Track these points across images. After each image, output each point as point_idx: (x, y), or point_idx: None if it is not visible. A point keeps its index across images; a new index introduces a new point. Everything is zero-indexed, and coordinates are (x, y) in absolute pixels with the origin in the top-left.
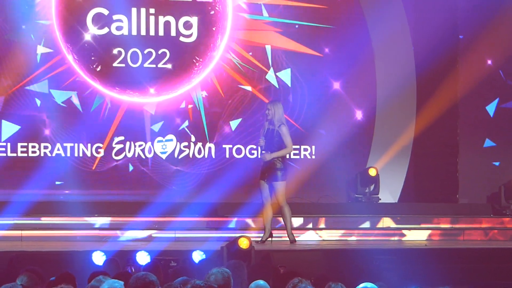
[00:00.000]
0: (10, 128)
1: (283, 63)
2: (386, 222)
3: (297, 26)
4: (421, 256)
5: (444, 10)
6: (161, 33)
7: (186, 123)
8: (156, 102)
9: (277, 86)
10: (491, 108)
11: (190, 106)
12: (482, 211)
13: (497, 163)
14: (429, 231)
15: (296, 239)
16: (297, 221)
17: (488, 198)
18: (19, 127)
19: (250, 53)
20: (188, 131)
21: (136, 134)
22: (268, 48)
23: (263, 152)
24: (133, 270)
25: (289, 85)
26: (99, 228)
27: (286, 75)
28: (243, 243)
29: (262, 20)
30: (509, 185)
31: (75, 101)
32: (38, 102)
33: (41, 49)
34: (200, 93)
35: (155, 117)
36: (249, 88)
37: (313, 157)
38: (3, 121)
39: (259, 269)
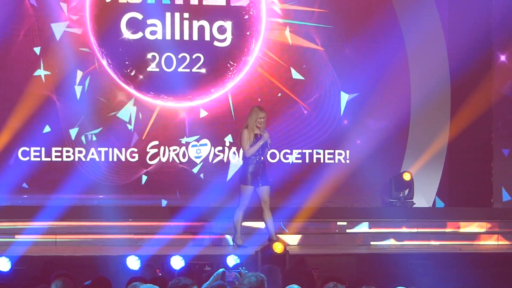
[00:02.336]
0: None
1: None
2: (420, 226)
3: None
4: (455, 260)
5: (478, 12)
6: (195, 37)
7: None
8: (190, 107)
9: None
10: None
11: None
12: None
13: None
14: (463, 236)
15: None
16: (328, 226)
17: None
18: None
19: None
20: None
21: (170, 138)
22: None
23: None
24: (161, 274)
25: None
26: (133, 233)
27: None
28: (278, 248)
29: (295, 23)
30: None
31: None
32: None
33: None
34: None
35: (189, 122)
36: (285, 91)
37: (348, 161)
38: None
39: (293, 273)
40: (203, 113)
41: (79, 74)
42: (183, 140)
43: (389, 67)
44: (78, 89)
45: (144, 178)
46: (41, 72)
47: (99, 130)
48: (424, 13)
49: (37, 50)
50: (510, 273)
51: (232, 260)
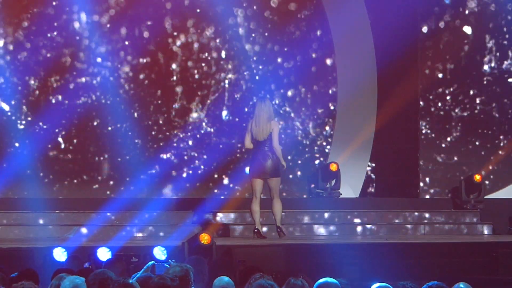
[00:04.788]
0: None
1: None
2: (347, 217)
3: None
4: (382, 251)
5: (405, 4)
6: None
7: None
8: None
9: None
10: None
11: None
12: (443, 205)
13: (457, 158)
14: (389, 226)
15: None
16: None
17: (449, 193)
18: None
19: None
20: None
21: None
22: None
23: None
24: (91, 266)
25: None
26: (60, 224)
27: None
28: (204, 239)
29: None
30: (470, 179)
31: None
32: None
33: None
34: None
35: None
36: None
37: None
38: None
39: (220, 264)
40: None
41: None
42: None
43: (315, 57)
44: None
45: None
46: None
47: None
48: (351, 3)
49: None
50: (437, 263)
51: (158, 252)
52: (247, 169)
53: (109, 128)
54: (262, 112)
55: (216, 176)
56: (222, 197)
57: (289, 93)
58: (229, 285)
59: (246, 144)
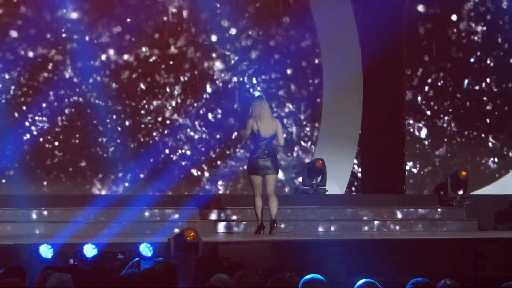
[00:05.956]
0: None
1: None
2: (333, 213)
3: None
4: (367, 247)
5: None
6: None
7: None
8: None
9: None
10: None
11: None
12: (429, 202)
13: (443, 154)
14: (375, 222)
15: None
16: (242, 213)
17: (435, 189)
18: None
19: None
20: None
21: None
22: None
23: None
24: (76, 263)
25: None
26: (46, 221)
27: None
28: (190, 235)
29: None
30: (456, 176)
31: None
32: None
33: None
34: None
35: None
36: None
37: None
38: None
39: (206, 261)
40: None
41: None
42: None
43: (301, 54)
44: None
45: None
46: None
47: None
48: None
49: None
50: (422, 260)
51: (145, 248)
52: (246, 166)
53: (96, 124)
54: (263, 110)
55: (201, 172)
56: (208, 194)
57: (281, 92)
58: None
59: (245, 138)
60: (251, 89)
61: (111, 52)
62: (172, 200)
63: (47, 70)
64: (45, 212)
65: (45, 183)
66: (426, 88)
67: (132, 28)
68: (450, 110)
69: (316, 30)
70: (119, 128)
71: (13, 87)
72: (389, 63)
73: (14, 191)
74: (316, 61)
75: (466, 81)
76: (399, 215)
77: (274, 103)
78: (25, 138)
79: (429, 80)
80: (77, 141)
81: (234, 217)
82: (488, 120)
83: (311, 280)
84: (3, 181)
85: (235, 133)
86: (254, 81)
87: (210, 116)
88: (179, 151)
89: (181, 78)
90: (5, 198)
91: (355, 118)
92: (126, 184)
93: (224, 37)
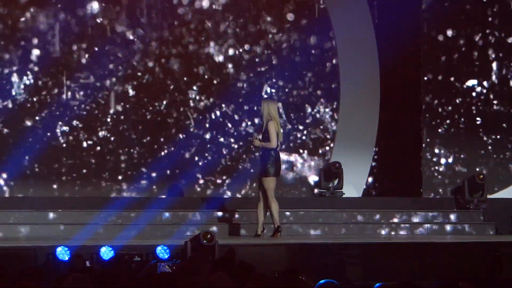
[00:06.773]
0: None
1: None
2: (350, 216)
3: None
4: (385, 250)
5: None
6: None
7: None
8: None
9: None
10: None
11: None
12: (446, 205)
13: (460, 157)
14: (392, 225)
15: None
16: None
17: (452, 192)
18: None
19: None
20: None
21: None
22: None
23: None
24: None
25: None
26: (64, 223)
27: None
28: (207, 238)
29: None
30: (473, 179)
31: None
32: None
33: None
34: None
35: None
36: None
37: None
38: None
39: (222, 263)
40: None
41: None
42: None
43: (318, 58)
44: None
45: None
46: None
47: None
48: (353, 5)
49: None
50: (439, 263)
51: (161, 251)
52: (270, 169)
53: (114, 126)
54: (277, 115)
55: (219, 175)
56: (226, 196)
57: (297, 95)
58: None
59: (276, 144)
60: (273, 92)
61: (128, 53)
62: (189, 203)
63: (68, 70)
64: (62, 214)
65: (59, 186)
66: (444, 91)
67: (153, 30)
68: (467, 113)
69: (333, 34)
70: (139, 129)
71: (29, 91)
72: (407, 66)
73: (31, 193)
74: (334, 64)
75: (485, 84)
76: (416, 219)
77: (291, 107)
78: (44, 139)
79: (447, 83)
80: (95, 143)
81: (250, 220)
82: (504, 125)
83: (326, 285)
84: (20, 182)
85: (255, 135)
86: (273, 84)
87: (229, 119)
88: (198, 153)
89: (201, 81)
90: (22, 199)
91: (372, 121)
92: (144, 186)
93: (243, 40)
